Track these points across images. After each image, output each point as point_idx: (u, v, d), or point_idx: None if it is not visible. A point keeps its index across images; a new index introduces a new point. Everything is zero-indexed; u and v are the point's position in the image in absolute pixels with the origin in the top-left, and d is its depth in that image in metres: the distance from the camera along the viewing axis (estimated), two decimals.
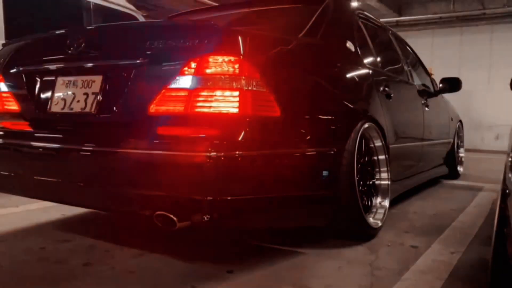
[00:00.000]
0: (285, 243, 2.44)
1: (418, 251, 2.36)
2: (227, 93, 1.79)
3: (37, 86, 2.24)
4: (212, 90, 1.79)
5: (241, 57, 1.81)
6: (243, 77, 1.80)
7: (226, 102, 1.78)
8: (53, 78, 2.19)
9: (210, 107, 1.78)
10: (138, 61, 1.92)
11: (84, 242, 2.40)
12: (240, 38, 1.85)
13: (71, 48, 2.10)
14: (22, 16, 4.06)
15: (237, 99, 1.78)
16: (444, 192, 4.32)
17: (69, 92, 2.12)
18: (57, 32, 2.29)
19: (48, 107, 2.17)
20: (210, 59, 1.79)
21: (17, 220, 2.81)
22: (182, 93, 1.80)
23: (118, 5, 4.98)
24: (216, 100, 1.78)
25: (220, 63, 1.79)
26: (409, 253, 2.33)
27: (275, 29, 2.70)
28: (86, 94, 2.06)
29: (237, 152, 1.76)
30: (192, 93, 1.79)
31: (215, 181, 1.73)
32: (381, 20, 4.79)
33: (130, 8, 5.18)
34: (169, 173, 1.75)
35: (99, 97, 2.01)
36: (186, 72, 1.80)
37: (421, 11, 13.15)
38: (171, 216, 1.71)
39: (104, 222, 2.93)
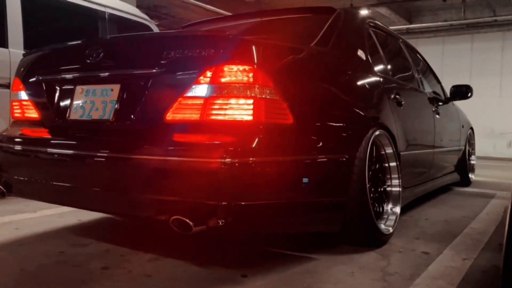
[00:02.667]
0: (298, 248, 2.47)
1: (430, 257, 2.37)
2: (242, 101, 1.84)
3: (57, 94, 2.31)
4: (227, 98, 1.84)
5: (255, 66, 1.87)
6: (257, 86, 1.86)
7: (241, 110, 1.84)
8: (72, 87, 2.26)
9: (225, 114, 1.84)
10: (154, 70, 1.98)
11: (101, 246, 2.44)
12: (253, 47, 1.91)
13: (90, 58, 2.17)
14: (40, 26, 4.15)
15: (251, 107, 1.84)
16: (455, 199, 4.32)
17: (88, 100, 2.18)
18: (76, 42, 2.36)
19: (67, 114, 2.23)
20: (225, 68, 1.85)
21: (35, 225, 2.86)
22: (198, 101, 1.86)
23: (132, 14, 5.07)
24: (231, 108, 1.84)
25: (234, 72, 1.84)
26: (421, 259, 2.34)
27: (287, 39, 2.76)
28: (104, 102, 2.12)
29: (250, 159, 1.81)
30: (208, 101, 1.85)
31: (230, 186, 1.78)
32: (392, 28, 4.84)
33: (143, 18, 5.27)
34: (185, 179, 1.81)
35: (117, 105, 2.07)
36: (202, 81, 1.86)
37: (431, 18, 13.15)
38: (187, 220, 1.76)
39: (119, 227, 2.99)
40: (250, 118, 1.84)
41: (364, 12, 11.07)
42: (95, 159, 2.04)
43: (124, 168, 1.94)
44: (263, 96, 1.87)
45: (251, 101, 1.84)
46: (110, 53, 2.17)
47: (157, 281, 1.97)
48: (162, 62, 1.96)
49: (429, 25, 13.03)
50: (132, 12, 5.13)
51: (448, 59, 12.87)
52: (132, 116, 2.02)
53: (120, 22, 4.85)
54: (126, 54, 2.18)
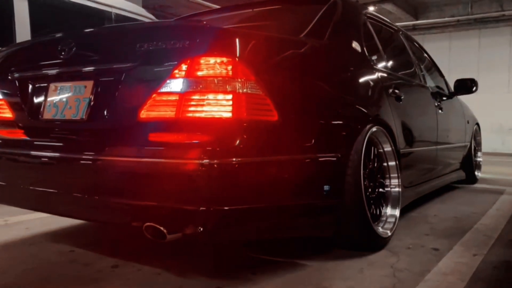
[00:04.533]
0: (308, 247, 2.42)
1: (440, 253, 2.34)
2: (220, 96, 1.69)
3: (30, 92, 2.18)
4: (204, 94, 1.69)
5: (235, 58, 1.71)
6: (237, 79, 1.70)
7: (219, 106, 1.68)
8: (46, 84, 2.12)
9: (202, 111, 1.68)
10: (127, 65, 1.83)
11: (110, 245, 2.45)
12: (233, 38, 1.76)
13: (63, 53, 2.03)
14: (47, 27, 4.17)
15: (231, 102, 1.68)
16: (465, 195, 4.27)
17: (61, 98, 2.04)
18: (49, 36, 2.23)
19: (41, 114, 2.10)
20: (202, 61, 1.69)
21: (45, 225, 2.83)
22: (173, 97, 1.71)
23: (138, 14, 5.07)
24: (209, 104, 1.68)
25: (212, 65, 1.69)
26: (431, 255, 2.31)
27: (279, 30, 2.61)
28: (77, 100, 1.98)
29: (231, 159, 1.66)
30: (183, 97, 1.69)
31: (208, 190, 1.64)
32: (398, 24, 4.67)
33: (149, 18, 5.25)
34: (159, 182, 1.66)
35: (90, 103, 1.93)
36: (177, 75, 1.71)
37: (438, 14, 13.00)
38: (161, 227, 1.62)
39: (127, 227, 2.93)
40: (229, 115, 1.68)
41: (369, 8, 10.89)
42: (66, 162, 1.91)
43: (95, 171, 1.80)
44: (244, 91, 1.71)
45: (230, 96, 1.68)
46: (82, 47, 2.02)
47: (166, 279, 1.94)
48: (135, 55, 1.81)
49: (436, 21, 12.89)
50: (138, 12, 5.14)
51: (455, 55, 12.73)
52: (105, 115, 1.88)
53: (126, 22, 4.79)
54: (99, 48, 2.03)
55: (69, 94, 2.02)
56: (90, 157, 1.83)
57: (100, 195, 1.80)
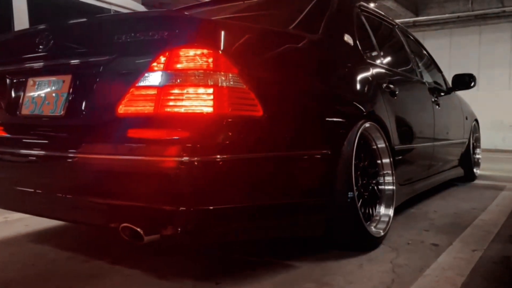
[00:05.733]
0: (308, 244, 2.37)
1: (439, 249, 2.33)
2: (201, 90, 1.60)
3: (8, 87, 2.10)
4: (183, 88, 1.60)
5: (216, 50, 1.63)
6: (219, 72, 1.62)
7: (199, 101, 1.59)
8: (24, 79, 2.04)
9: (181, 106, 1.60)
10: (105, 58, 1.75)
11: (110, 242, 2.42)
12: (214, 29, 1.68)
13: (40, 47, 1.95)
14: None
15: (212, 97, 1.60)
16: (465, 191, 4.26)
17: (40, 94, 1.97)
18: (26, 29, 2.14)
19: (19, 110, 2.02)
20: (181, 53, 1.61)
21: (45, 222, 2.78)
22: (151, 91, 1.63)
23: None
24: (189, 99, 1.60)
25: (192, 57, 1.60)
26: (430, 251, 2.30)
27: (269, 22, 2.52)
28: (56, 95, 1.90)
29: (212, 156, 1.58)
30: (162, 91, 1.61)
31: (189, 189, 1.56)
32: (398, 21, 4.59)
33: None
34: (137, 180, 1.59)
35: (68, 99, 1.85)
36: (155, 68, 1.62)
37: (438, 11, 12.96)
38: (137, 229, 1.54)
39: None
40: (210, 109, 1.59)
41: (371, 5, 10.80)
42: (43, 160, 1.83)
43: (71, 170, 1.73)
44: (226, 84, 1.63)
45: (211, 90, 1.60)
46: (60, 40, 1.95)
47: (165, 275, 1.93)
48: (113, 48, 1.74)
49: (436, 17, 12.86)
50: (138, 9, 5.10)
51: (456, 52, 12.70)
52: (83, 110, 1.80)
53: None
54: (77, 40, 1.94)
55: (48, 89, 1.94)
56: (67, 155, 1.75)
57: (76, 194, 1.72)
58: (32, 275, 1.93)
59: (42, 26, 2.06)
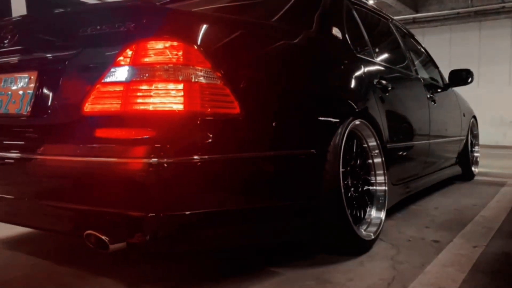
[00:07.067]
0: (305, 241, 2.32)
1: (440, 245, 2.32)
2: (170, 86, 1.48)
3: None
4: (151, 83, 1.48)
5: (187, 42, 1.51)
6: (190, 67, 1.50)
7: (169, 97, 1.47)
8: None
9: (149, 103, 1.48)
10: (71, 52, 1.64)
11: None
12: (185, 20, 1.56)
13: (5, 42, 1.83)
14: None
15: (182, 93, 1.47)
16: (465, 188, 4.24)
17: (6, 92, 1.85)
18: None
19: None
20: (149, 45, 1.49)
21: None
22: (118, 88, 1.51)
23: None
24: (157, 95, 1.48)
25: (160, 50, 1.48)
26: (431, 247, 2.29)
27: (253, 14, 2.40)
28: (22, 93, 1.78)
29: (184, 158, 1.46)
30: (129, 87, 1.49)
31: (158, 193, 1.44)
32: (397, 17, 4.47)
33: None
34: (102, 184, 1.47)
35: (34, 97, 1.73)
36: (122, 63, 1.51)
37: (438, 7, 12.92)
38: (102, 236, 1.42)
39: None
40: (181, 107, 1.47)
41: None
42: (6, 162, 1.71)
43: (33, 173, 1.61)
44: (198, 80, 1.51)
45: (181, 85, 1.48)
46: (26, 34, 1.83)
47: (166, 271, 1.96)
48: (78, 41, 1.63)
49: (436, 13, 12.82)
50: None
51: (455, 48, 12.63)
52: (48, 109, 1.68)
53: None
54: (43, 34, 1.83)
55: (14, 87, 1.83)
56: (30, 157, 1.64)
57: (39, 199, 1.61)
58: (33, 275, 1.92)
59: (6, 20, 1.95)
